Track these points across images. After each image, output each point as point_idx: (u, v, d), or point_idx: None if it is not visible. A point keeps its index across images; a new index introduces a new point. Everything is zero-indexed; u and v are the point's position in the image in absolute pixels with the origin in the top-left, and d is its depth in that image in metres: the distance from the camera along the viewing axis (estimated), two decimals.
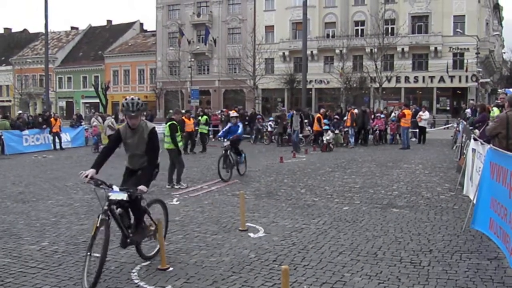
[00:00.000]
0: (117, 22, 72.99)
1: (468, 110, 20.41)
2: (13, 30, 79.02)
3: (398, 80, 45.03)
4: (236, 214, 7.87)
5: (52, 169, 15.00)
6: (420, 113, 23.25)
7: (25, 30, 77.72)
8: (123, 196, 5.06)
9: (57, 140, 22.69)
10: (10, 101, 67.79)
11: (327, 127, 20.87)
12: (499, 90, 16.57)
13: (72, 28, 74.15)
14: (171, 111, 19.65)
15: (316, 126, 22.00)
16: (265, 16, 52.90)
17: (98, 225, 4.87)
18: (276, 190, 10.55)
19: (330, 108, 31.75)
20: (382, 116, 23.83)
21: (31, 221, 7.83)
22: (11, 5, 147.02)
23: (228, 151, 12.13)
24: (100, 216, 4.91)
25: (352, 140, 22.06)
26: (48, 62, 36.38)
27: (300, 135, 22.58)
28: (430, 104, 45.92)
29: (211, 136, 24.85)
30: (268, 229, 7.08)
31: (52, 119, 22.91)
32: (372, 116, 23.60)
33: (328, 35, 50.71)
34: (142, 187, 5.14)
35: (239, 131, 12.71)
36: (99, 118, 25.24)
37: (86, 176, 5.02)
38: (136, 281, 5.05)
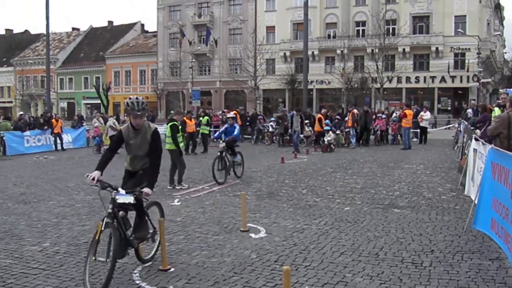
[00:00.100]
0: (118, 23, 73.41)
1: (469, 110, 20.41)
2: (14, 31, 79.21)
3: (399, 80, 45.05)
4: (238, 214, 7.87)
5: (54, 170, 15.02)
6: (422, 113, 23.23)
7: (26, 31, 77.84)
8: (130, 199, 5.00)
9: (58, 141, 22.71)
10: (11, 102, 67.91)
11: (328, 127, 20.87)
12: (500, 90, 16.55)
13: (73, 29, 74.30)
14: (172, 112, 19.66)
15: (317, 127, 21.99)
16: (266, 17, 52.93)
17: (102, 228, 4.79)
18: (277, 190, 10.55)
19: (331, 108, 31.75)
20: (384, 116, 23.84)
21: (32, 222, 7.84)
22: (12, 6, 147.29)
23: (224, 153, 11.87)
24: (105, 219, 4.84)
25: (353, 140, 22.05)
26: (50, 63, 36.42)
27: (301, 136, 22.60)
28: (431, 104, 45.95)
29: (212, 137, 24.83)
30: (270, 230, 7.08)
31: (53, 120, 22.94)
32: (374, 117, 23.60)
33: (329, 36, 50.75)
34: (147, 190, 5.08)
35: (236, 132, 12.35)
36: (101, 119, 25.27)
37: (93, 179, 4.95)
38: (137, 282, 5.05)
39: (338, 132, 21.90)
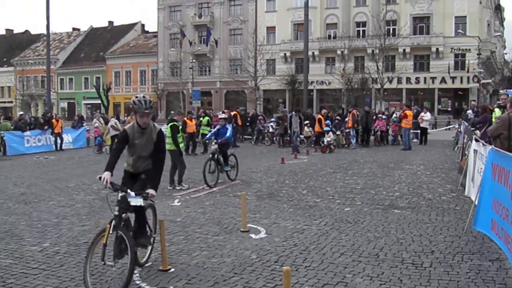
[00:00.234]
0: (118, 23, 73.23)
1: (470, 111, 20.42)
2: (14, 31, 79.25)
3: (399, 81, 45.08)
4: (238, 215, 7.87)
5: (54, 170, 15.02)
6: (422, 114, 23.23)
7: (26, 31, 77.87)
8: (140, 201, 4.93)
9: (58, 141, 22.71)
10: (11, 102, 67.94)
11: (327, 128, 20.85)
12: (500, 91, 16.54)
13: (74, 29, 74.33)
14: (172, 112, 19.63)
15: (317, 127, 21.99)
16: (266, 17, 52.96)
17: (111, 231, 4.72)
18: (277, 191, 10.54)
19: (331, 109, 31.73)
20: (384, 117, 23.85)
21: (32, 222, 7.84)
22: (12, 7, 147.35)
23: (216, 155, 11.52)
24: (113, 222, 4.78)
25: (353, 141, 22.05)
26: (50, 63, 36.42)
27: (301, 136, 22.59)
28: (432, 105, 45.96)
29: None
30: (270, 230, 7.08)
31: (53, 120, 22.95)
32: (374, 117, 23.60)
33: (329, 36, 50.76)
34: (152, 192, 5.04)
35: (228, 134, 11.87)
36: (101, 119, 25.26)
37: (106, 182, 4.83)
38: (137, 282, 5.05)
39: (338, 132, 21.91)
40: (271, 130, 25.17)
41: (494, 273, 5.15)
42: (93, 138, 24.44)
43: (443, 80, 46.50)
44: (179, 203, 9.30)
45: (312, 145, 21.89)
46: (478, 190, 6.73)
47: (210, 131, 23.55)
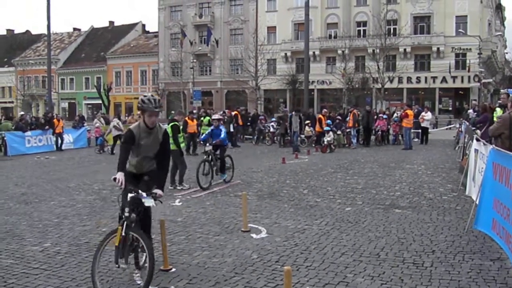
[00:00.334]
0: (119, 23, 73.39)
1: (471, 111, 20.40)
2: (15, 32, 79.32)
3: (400, 80, 45.02)
4: (239, 215, 7.87)
5: (55, 170, 15.03)
6: (423, 113, 23.22)
7: (27, 31, 77.93)
8: (152, 202, 4.88)
9: (59, 141, 22.71)
10: (12, 102, 68.00)
11: (327, 128, 20.83)
12: (501, 91, 16.51)
13: (74, 29, 74.38)
14: (173, 112, 19.61)
15: (318, 127, 21.98)
16: (267, 17, 52.94)
17: (123, 233, 4.66)
18: (278, 191, 10.54)
19: (332, 108, 31.69)
20: (385, 116, 23.84)
21: (33, 222, 7.84)
22: (13, 7, 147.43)
23: (210, 157, 11.29)
24: (125, 223, 4.72)
25: (354, 141, 22.05)
26: (51, 63, 36.44)
27: (302, 136, 22.59)
28: (433, 104, 45.91)
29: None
30: (271, 230, 7.08)
31: (55, 120, 22.96)
32: (375, 117, 23.59)
33: (330, 36, 50.71)
34: (160, 192, 4.99)
35: (222, 135, 11.58)
36: (102, 119, 25.27)
37: (121, 183, 4.75)
38: (139, 282, 5.05)
39: (339, 132, 21.91)
40: (272, 130, 25.17)
41: (495, 273, 5.15)
42: (94, 138, 24.45)
43: (444, 80, 46.46)
44: (180, 203, 9.31)
45: (313, 145, 21.88)
46: (479, 190, 6.73)
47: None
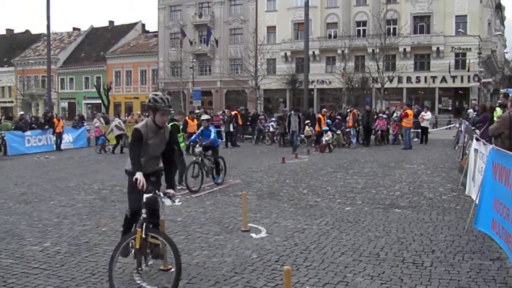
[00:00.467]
0: (119, 23, 73.41)
1: (471, 110, 20.40)
2: (15, 31, 79.30)
3: (400, 80, 45.00)
4: (238, 214, 7.87)
5: (54, 170, 15.02)
6: (422, 113, 23.22)
7: (27, 31, 77.91)
8: (170, 202, 4.83)
9: (59, 140, 22.70)
10: (12, 102, 67.99)
11: (326, 127, 20.82)
12: (501, 90, 16.52)
13: (74, 29, 74.33)
14: (173, 111, 19.54)
15: (318, 127, 21.97)
16: (266, 17, 52.94)
17: (143, 235, 4.59)
18: (278, 190, 10.54)
19: (332, 108, 31.65)
20: (384, 116, 23.85)
21: (33, 222, 7.84)
22: (12, 6, 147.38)
23: (200, 158, 10.96)
24: (144, 224, 4.67)
25: (354, 140, 22.04)
26: (50, 63, 36.43)
27: (302, 136, 22.60)
28: (432, 104, 45.95)
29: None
30: (270, 230, 7.08)
31: (55, 119, 22.95)
32: (375, 116, 23.59)
33: (330, 36, 50.72)
34: (173, 192, 4.94)
35: (212, 136, 11.22)
36: (101, 119, 25.26)
37: (143, 184, 4.68)
38: (138, 282, 5.05)
39: (338, 132, 21.90)
40: (271, 129, 25.18)
41: (495, 272, 5.15)
42: (93, 138, 24.45)
43: (443, 79, 46.47)
44: (180, 203, 9.29)
45: (313, 145, 21.88)
46: (479, 189, 6.73)
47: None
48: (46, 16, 31.38)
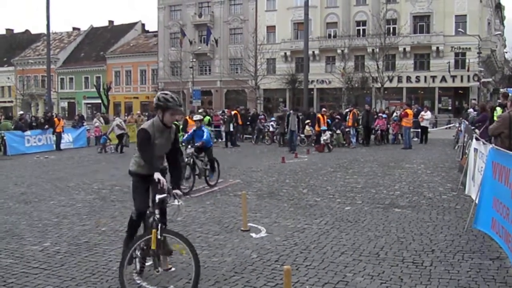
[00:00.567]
0: (118, 22, 73.28)
1: (471, 110, 20.40)
2: (15, 31, 79.27)
3: (399, 80, 45.01)
4: (238, 214, 7.87)
5: (54, 170, 15.01)
6: (422, 113, 23.24)
7: (27, 31, 77.89)
8: (181, 202, 4.85)
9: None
10: (12, 101, 67.97)
11: (324, 127, 20.80)
12: (501, 90, 16.55)
13: (74, 28, 74.31)
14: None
15: (317, 127, 21.96)
16: (266, 16, 52.94)
17: (159, 236, 4.56)
18: (278, 190, 10.54)
19: (332, 108, 31.64)
20: (384, 116, 23.85)
21: (33, 221, 7.84)
22: (12, 6, 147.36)
23: (192, 159, 10.73)
24: (159, 225, 4.65)
25: (353, 140, 22.04)
26: (50, 62, 36.41)
27: (302, 135, 22.59)
28: (432, 103, 45.97)
29: (212, 136, 24.80)
30: (270, 229, 7.08)
31: (55, 119, 22.93)
32: (375, 116, 23.59)
33: (329, 35, 50.74)
34: (180, 192, 4.93)
35: (205, 136, 10.98)
36: (101, 119, 25.25)
37: (163, 184, 4.65)
38: (138, 281, 5.04)
39: (338, 131, 21.90)
40: (271, 129, 25.18)
41: (495, 272, 5.15)
42: (93, 137, 24.45)
43: (443, 79, 46.49)
44: (180, 203, 9.28)
45: (313, 144, 21.88)
46: (479, 189, 6.73)
47: (212, 130, 23.64)
48: (46, 16, 31.36)
